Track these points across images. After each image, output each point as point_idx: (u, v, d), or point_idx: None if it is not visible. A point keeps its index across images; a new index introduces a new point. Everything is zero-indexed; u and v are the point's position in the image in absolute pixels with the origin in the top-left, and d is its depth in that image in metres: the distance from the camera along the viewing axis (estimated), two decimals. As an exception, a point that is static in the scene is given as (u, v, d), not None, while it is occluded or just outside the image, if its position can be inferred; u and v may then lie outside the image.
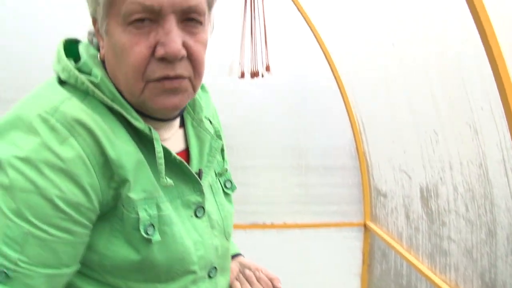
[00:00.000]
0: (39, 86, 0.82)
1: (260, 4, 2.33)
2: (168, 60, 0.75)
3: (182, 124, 0.95)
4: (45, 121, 0.72)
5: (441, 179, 1.97)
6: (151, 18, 0.74)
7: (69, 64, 0.80)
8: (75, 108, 0.75)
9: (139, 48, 0.75)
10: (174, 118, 0.90)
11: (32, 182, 0.68)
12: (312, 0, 2.67)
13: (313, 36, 2.78)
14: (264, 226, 2.99)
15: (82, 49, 0.86)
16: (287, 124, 2.92)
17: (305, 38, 2.80)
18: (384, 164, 2.64)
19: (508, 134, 1.42)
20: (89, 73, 0.81)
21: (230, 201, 1.03)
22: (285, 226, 3.02)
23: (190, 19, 0.77)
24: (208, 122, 0.98)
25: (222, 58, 2.49)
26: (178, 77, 0.78)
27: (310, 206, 3.01)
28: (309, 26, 2.77)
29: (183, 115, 0.96)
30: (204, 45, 0.81)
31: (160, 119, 0.87)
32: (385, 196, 2.69)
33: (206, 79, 0.93)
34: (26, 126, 0.72)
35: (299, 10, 2.74)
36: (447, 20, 1.62)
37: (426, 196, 2.14)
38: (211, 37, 0.89)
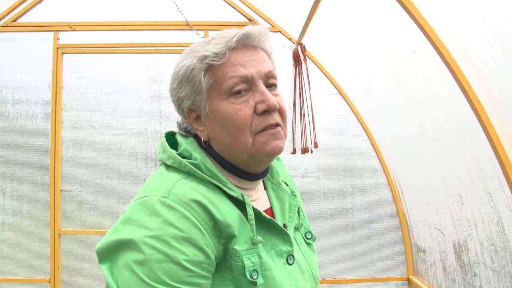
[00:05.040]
0: (151, 176, 0.99)
1: (307, 91, 2.79)
2: (268, 112, 0.93)
3: (265, 188, 1.10)
4: (163, 203, 0.86)
5: (469, 235, 2.30)
6: (246, 88, 0.92)
7: (173, 152, 0.96)
8: (184, 187, 0.90)
9: (243, 111, 0.92)
10: (262, 177, 1.05)
11: (163, 253, 0.81)
12: (358, 94, 3.12)
13: (354, 116, 3.21)
14: (316, 281, 3.26)
15: (180, 139, 1.03)
16: (333, 190, 3.29)
17: (346, 117, 3.24)
18: (421, 223, 2.93)
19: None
20: (189, 157, 0.97)
21: (313, 250, 1.14)
22: (335, 281, 3.25)
23: (270, 85, 0.96)
24: (284, 184, 1.12)
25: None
26: (277, 125, 0.95)
27: (358, 263, 3.26)
28: (350, 107, 3.21)
29: (264, 181, 1.11)
30: (283, 102, 0.99)
31: (252, 179, 1.01)
32: (424, 252, 2.94)
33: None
34: (150, 209, 0.86)
35: (342, 96, 3.19)
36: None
37: (459, 250, 2.43)
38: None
